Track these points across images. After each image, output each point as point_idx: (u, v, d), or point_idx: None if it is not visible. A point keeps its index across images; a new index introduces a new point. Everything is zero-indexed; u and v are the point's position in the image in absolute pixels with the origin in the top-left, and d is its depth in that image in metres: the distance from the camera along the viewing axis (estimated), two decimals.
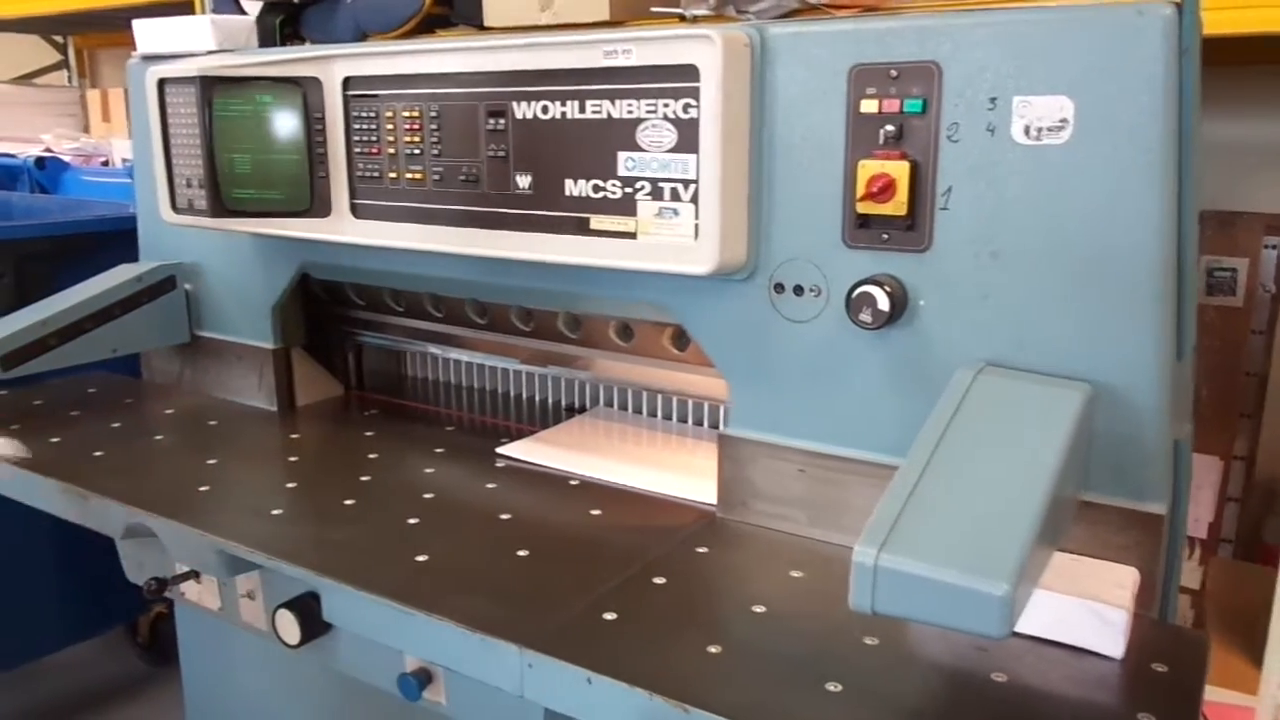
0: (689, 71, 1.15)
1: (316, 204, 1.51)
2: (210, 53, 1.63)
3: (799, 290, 1.21)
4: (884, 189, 1.11)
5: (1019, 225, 1.06)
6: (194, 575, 1.41)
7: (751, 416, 1.28)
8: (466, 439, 1.64)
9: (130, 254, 1.89)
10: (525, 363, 1.73)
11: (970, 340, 1.11)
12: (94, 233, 2.10)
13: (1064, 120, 1.02)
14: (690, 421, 1.65)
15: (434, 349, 1.84)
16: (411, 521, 1.31)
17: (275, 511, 1.34)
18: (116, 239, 2.07)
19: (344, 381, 1.89)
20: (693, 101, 1.16)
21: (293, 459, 1.55)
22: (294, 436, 1.65)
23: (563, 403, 1.79)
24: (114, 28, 3.84)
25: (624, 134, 1.22)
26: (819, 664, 0.97)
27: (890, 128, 1.11)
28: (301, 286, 1.75)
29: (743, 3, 1.35)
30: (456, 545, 1.24)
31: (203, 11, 2.54)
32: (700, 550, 1.23)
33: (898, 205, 1.11)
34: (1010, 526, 0.84)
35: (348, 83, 1.45)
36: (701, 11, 1.37)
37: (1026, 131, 1.04)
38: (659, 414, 1.68)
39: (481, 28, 1.60)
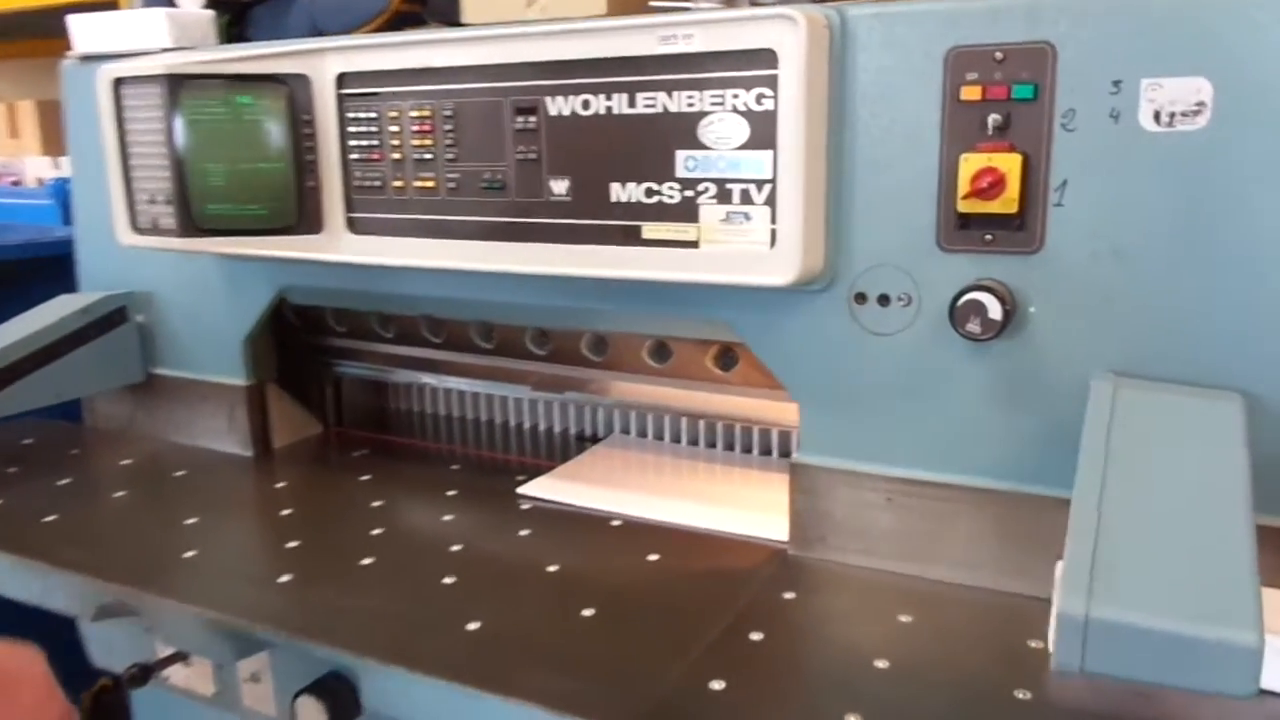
0: (765, 57, 1.02)
1: (305, 219, 1.33)
2: (166, 50, 1.43)
3: (884, 300, 1.09)
4: (993, 185, 0.99)
5: (1147, 220, 0.96)
6: (182, 657, 1.20)
7: (828, 442, 1.15)
8: (477, 478, 1.47)
9: (61, 284, 1.66)
10: (536, 389, 1.57)
11: (1088, 349, 1.00)
12: (16, 260, 1.85)
13: (1201, 104, 0.92)
14: (720, 446, 1.51)
15: (429, 378, 1.66)
16: (447, 581, 1.13)
17: (282, 579, 1.15)
18: (42, 267, 1.83)
19: (322, 418, 1.70)
20: (768, 91, 1.03)
21: (285, 512, 1.35)
22: (279, 485, 1.45)
23: (571, 430, 1.64)
24: (9, 36, 3.52)
25: (683, 130, 1.08)
26: None
27: (997, 116, 0.99)
28: (274, 313, 1.55)
29: None
30: (509, 607, 1.08)
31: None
32: (787, 596, 1.09)
33: (1007, 202, 1.00)
34: (1227, 562, 0.73)
35: (342, 79, 1.27)
36: (711, 3, 1.24)
37: (1157, 117, 0.94)
38: (683, 439, 1.54)
39: (457, 25, 1.44)
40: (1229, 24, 0.90)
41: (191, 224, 1.31)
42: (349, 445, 1.63)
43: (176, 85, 1.27)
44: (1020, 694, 0.89)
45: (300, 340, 1.68)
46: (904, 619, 1.03)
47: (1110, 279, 0.98)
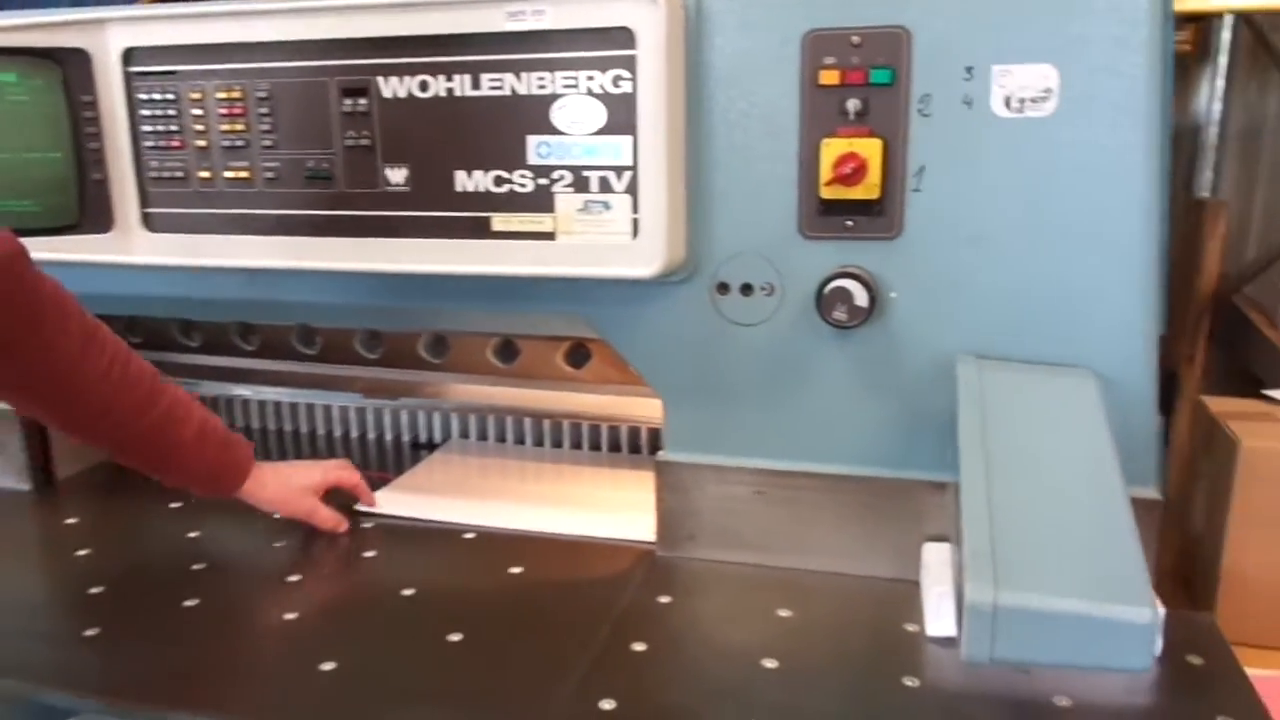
0: (621, 36, 0.97)
1: (90, 216, 1.16)
2: None
3: (747, 289, 1.07)
4: (855, 171, 0.98)
5: (1000, 206, 0.98)
6: None
7: (694, 437, 1.12)
8: None
9: None
10: (367, 395, 1.45)
11: (945, 333, 1.02)
12: None
13: (1048, 90, 0.95)
14: (567, 445, 1.45)
15: (242, 390, 1.50)
16: (289, 617, 1.02)
17: (88, 632, 0.99)
18: None
19: None
20: (625, 73, 0.98)
21: (82, 553, 1.17)
22: (70, 521, 1.26)
23: (404, 438, 1.53)
24: None
25: (535, 114, 1.01)
26: None
27: (856, 101, 0.98)
28: None
29: None
30: (365, 640, 0.98)
31: None
32: (663, 600, 1.05)
33: (869, 188, 0.99)
34: (1113, 540, 0.75)
35: (130, 56, 1.11)
36: None
37: (1007, 103, 0.96)
38: (528, 441, 1.47)
39: None
40: (1072, 13, 0.93)
41: None
42: None
43: None
44: (909, 681, 0.89)
45: None
46: (783, 614, 1.01)
47: (966, 263, 1.00)
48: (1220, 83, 2.41)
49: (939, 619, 0.96)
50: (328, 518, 1.20)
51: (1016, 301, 0.99)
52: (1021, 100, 0.96)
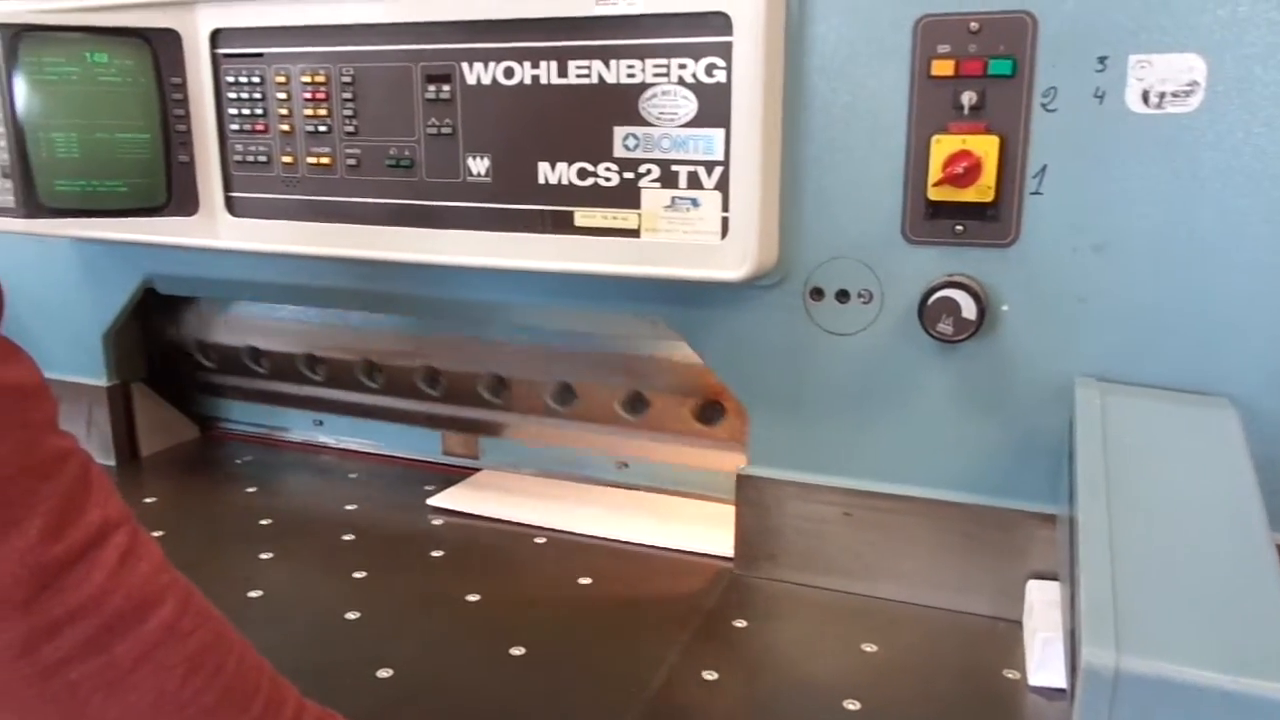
0: (717, 22, 0.90)
1: (177, 198, 1.15)
2: None
3: (843, 296, 0.99)
4: (968, 170, 0.90)
5: (1131, 211, 0.88)
6: None
7: (780, 452, 1.05)
8: (380, 489, 1.31)
9: None
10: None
11: (1063, 352, 0.92)
12: None
13: (1193, 83, 0.85)
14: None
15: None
16: (351, 617, 0.99)
17: None
18: None
19: (198, 421, 1.51)
20: (719, 61, 0.91)
21: (155, 534, 1.16)
22: (149, 501, 1.27)
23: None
24: None
25: (622, 104, 0.95)
26: None
27: (971, 94, 0.90)
28: (139, 304, 1.36)
29: None
30: (425, 648, 0.94)
31: None
32: (738, 624, 0.98)
33: (982, 190, 0.91)
34: (1258, 597, 0.65)
35: (218, 37, 1.09)
36: None
37: (1145, 98, 0.86)
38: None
39: None
40: None
41: (36, 202, 1.11)
42: (230, 451, 1.45)
43: (15, 38, 1.07)
44: None
45: (172, 335, 1.49)
46: (868, 649, 0.94)
47: (1090, 275, 0.90)
48: None
49: (1044, 668, 0.87)
50: None
51: (1146, 319, 0.89)
52: (1161, 94, 0.85)
